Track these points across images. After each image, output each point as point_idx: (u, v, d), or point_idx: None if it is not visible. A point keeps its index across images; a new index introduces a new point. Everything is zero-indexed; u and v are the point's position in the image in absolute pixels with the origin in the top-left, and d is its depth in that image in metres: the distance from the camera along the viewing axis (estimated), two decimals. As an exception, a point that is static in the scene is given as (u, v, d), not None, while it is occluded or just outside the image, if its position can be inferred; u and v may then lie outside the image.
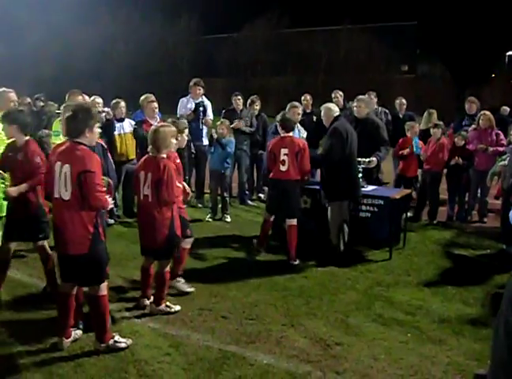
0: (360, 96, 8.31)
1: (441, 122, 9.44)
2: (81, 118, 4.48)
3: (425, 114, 10.19)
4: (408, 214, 8.49)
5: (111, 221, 8.76)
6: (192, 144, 9.39)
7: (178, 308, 5.56)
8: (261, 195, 10.86)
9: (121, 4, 47.57)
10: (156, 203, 5.29)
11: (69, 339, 4.77)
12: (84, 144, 4.48)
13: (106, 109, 8.45)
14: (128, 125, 8.67)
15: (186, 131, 6.44)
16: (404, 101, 11.21)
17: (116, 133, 8.47)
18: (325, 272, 6.71)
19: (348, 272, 6.73)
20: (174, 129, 5.59)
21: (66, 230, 4.46)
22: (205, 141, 9.85)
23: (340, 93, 10.76)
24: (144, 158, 5.55)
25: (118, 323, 5.23)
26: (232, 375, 4.36)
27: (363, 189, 7.37)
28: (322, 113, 7.22)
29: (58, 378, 4.30)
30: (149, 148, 5.42)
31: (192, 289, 6.02)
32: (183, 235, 5.78)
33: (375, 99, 10.61)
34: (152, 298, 5.60)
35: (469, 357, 4.68)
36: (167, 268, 5.52)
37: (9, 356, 4.62)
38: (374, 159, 7.60)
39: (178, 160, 5.93)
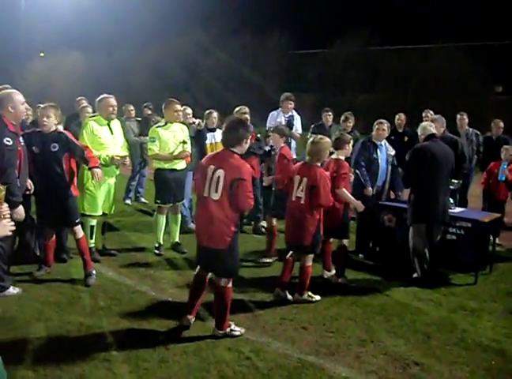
0: (434, 116, 8.30)
1: None
2: (241, 131, 5.02)
3: None
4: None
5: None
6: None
7: (318, 298, 6.19)
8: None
9: (213, 18, 48.82)
10: (308, 205, 5.95)
11: (193, 317, 5.35)
12: (237, 153, 5.01)
13: (196, 120, 8.70)
14: (220, 135, 8.85)
15: (352, 142, 7.05)
16: (501, 124, 10.59)
17: (208, 142, 8.71)
18: (408, 292, 6.64)
19: (431, 293, 6.62)
20: (329, 141, 6.32)
21: (212, 226, 4.97)
22: (293, 155, 9.95)
23: (431, 112, 10.59)
24: (300, 164, 6.29)
25: (201, 325, 5.42)
26: (311, 385, 4.42)
27: (450, 210, 7.24)
28: (419, 131, 7.26)
29: (144, 371, 4.53)
30: (307, 157, 6.13)
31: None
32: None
33: (467, 120, 10.39)
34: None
35: (557, 389, 4.52)
36: (310, 263, 6.15)
37: (101, 348, 4.90)
38: (456, 181, 7.64)
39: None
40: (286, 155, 7.44)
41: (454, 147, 7.72)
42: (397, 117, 10.51)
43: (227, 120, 5.29)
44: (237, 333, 5.21)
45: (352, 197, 6.78)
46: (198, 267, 5.37)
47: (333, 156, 6.75)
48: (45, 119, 6.28)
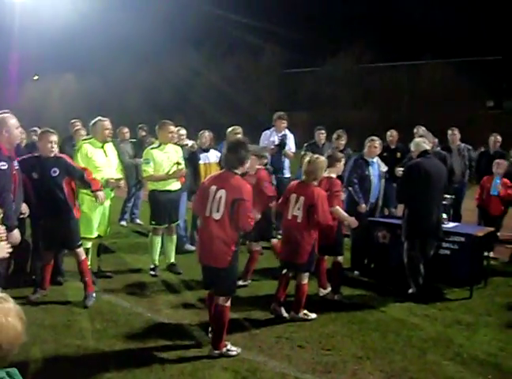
0: (422, 132, 8.41)
1: None
2: (242, 152, 5.17)
3: None
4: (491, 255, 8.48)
5: (193, 248, 9.02)
6: (274, 176, 9.54)
7: (314, 316, 6.17)
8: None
9: (206, 37, 49.28)
10: (305, 224, 5.97)
11: None
12: (238, 174, 5.15)
13: (189, 142, 8.76)
14: (213, 155, 8.95)
15: (343, 160, 7.08)
16: (499, 138, 10.37)
17: (201, 162, 8.77)
18: (403, 308, 6.66)
19: (426, 308, 6.64)
20: (326, 160, 6.38)
21: (213, 245, 5.08)
22: (287, 173, 10.03)
23: (423, 129, 10.67)
24: (296, 182, 6.35)
25: (197, 345, 5.43)
26: (308, 403, 4.42)
27: (444, 225, 7.29)
28: (411, 146, 7.32)
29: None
30: (304, 176, 6.17)
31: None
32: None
33: (458, 136, 10.46)
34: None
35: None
36: (306, 281, 6.13)
37: (98, 370, 4.88)
38: (448, 196, 7.76)
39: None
40: (264, 179, 7.29)
41: (443, 162, 7.81)
42: (388, 133, 10.57)
43: (228, 142, 5.42)
44: (233, 353, 5.21)
45: (346, 214, 6.84)
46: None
47: (325, 174, 6.74)
48: (54, 146, 6.38)
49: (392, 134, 10.58)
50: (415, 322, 6.21)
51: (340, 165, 6.95)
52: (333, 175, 6.79)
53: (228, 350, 5.21)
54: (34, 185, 6.28)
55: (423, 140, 7.39)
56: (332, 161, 6.77)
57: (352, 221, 6.88)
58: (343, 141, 9.86)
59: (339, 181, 6.83)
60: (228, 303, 5.22)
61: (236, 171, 5.16)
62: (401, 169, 7.87)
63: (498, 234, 9.31)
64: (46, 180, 6.32)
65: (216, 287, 5.25)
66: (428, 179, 6.91)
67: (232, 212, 4.98)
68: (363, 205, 7.77)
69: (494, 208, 9.09)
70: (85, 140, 7.47)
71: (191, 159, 8.58)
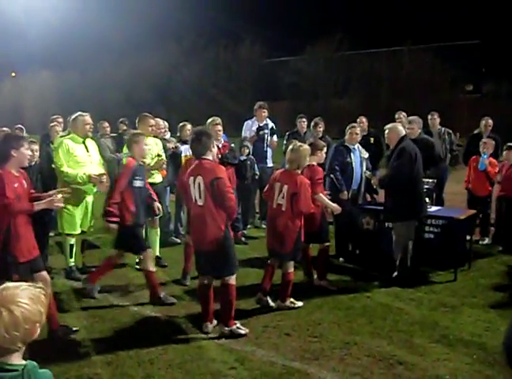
0: (411, 117, 8.42)
1: None
2: (204, 139, 5.40)
3: None
4: (486, 241, 8.83)
5: (178, 240, 9.02)
6: (256, 166, 9.56)
7: (300, 304, 6.23)
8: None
9: (185, 30, 49.00)
10: (289, 212, 6.01)
11: (213, 324, 5.59)
12: (209, 159, 5.40)
13: (171, 145, 8.77)
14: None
15: (325, 149, 7.11)
16: (490, 122, 10.07)
17: (183, 154, 8.73)
18: (389, 292, 6.71)
19: (412, 292, 6.70)
20: (309, 148, 6.36)
21: (203, 230, 5.33)
22: (270, 163, 10.03)
23: (404, 114, 10.70)
24: (280, 171, 6.40)
25: (184, 338, 5.44)
26: (296, 390, 4.44)
27: (427, 209, 7.34)
28: (388, 133, 7.19)
29: (130, 388, 4.51)
30: (287, 164, 6.21)
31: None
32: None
33: (438, 120, 10.49)
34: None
35: (538, 380, 4.59)
36: (291, 269, 6.19)
37: (85, 366, 4.87)
38: (430, 180, 7.79)
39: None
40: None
41: (430, 149, 7.83)
42: (358, 120, 10.50)
43: (189, 134, 5.58)
44: (242, 332, 5.42)
45: (329, 201, 6.86)
46: (200, 277, 5.68)
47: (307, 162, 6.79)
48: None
49: (361, 120, 10.53)
50: (400, 306, 6.25)
51: (322, 153, 6.95)
52: (314, 163, 6.79)
53: (238, 327, 5.44)
54: (135, 193, 6.36)
55: (400, 125, 7.40)
56: (313, 149, 6.76)
57: (336, 207, 6.91)
58: (321, 128, 9.93)
59: (320, 169, 6.84)
60: (234, 281, 5.44)
61: (206, 157, 5.40)
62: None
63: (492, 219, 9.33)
64: (144, 186, 6.54)
65: (219, 270, 5.42)
66: (419, 161, 7.00)
67: (213, 192, 5.21)
68: (345, 192, 7.79)
69: (481, 187, 9.02)
70: (65, 136, 7.40)
71: (173, 155, 8.58)
